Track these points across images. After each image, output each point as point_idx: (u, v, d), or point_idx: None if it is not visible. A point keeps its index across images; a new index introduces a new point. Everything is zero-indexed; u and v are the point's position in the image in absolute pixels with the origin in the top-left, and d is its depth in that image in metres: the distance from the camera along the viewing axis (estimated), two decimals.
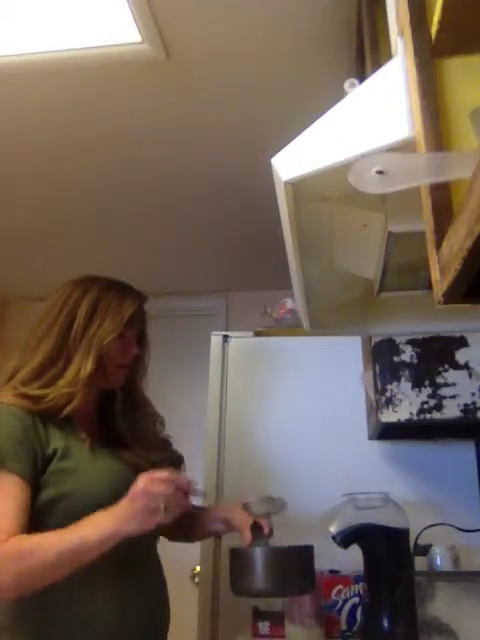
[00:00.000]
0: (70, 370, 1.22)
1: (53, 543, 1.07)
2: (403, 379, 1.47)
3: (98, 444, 1.25)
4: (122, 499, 1.10)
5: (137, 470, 1.24)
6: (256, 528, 1.19)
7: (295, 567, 1.18)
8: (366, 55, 1.21)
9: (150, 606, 1.22)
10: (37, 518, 1.12)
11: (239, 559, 1.16)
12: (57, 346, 1.24)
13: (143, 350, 1.37)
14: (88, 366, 1.22)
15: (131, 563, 1.20)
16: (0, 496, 1.09)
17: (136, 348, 1.33)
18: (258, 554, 1.14)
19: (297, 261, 0.90)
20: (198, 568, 1.91)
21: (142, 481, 1.10)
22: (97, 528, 1.08)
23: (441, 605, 1.30)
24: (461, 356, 1.46)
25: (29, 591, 1.08)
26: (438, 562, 1.57)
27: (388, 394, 1.46)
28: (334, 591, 1.59)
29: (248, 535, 1.17)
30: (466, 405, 1.43)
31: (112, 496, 1.14)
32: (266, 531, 1.20)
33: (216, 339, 2.05)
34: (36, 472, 1.14)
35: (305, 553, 1.19)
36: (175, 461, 1.37)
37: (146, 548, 1.27)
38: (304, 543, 1.25)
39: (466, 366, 1.46)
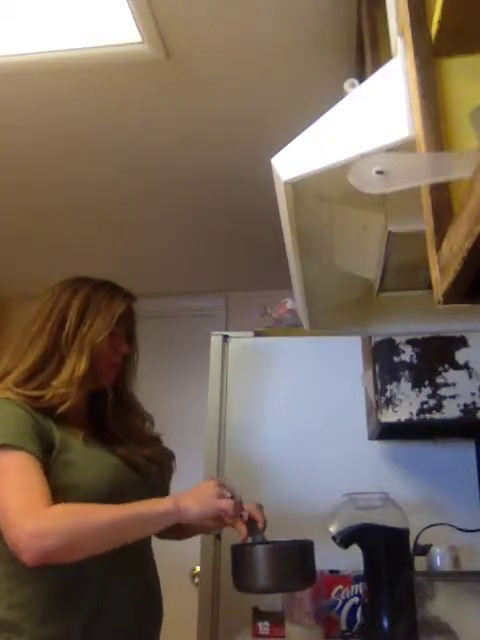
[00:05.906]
0: (64, 370, 1.23)
1: (107, 510, 1.10)
2: (403, 379, 1.47)
3: (92, 440, 1.26)
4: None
5: (132, 464, 1.25)
6: (250, 522, 1.20)
7: (296, 563, 1.18)
8: (366, 55, 1.21)
9: (137, 600, 1.22)
10: None
11: (240, 556, 1.17)
12: (49, 347, 1.25)
13: (132, 349, 1.38)
14: (82, 366, 1.23)
15: (121, 559, 1.19)
16: (27, 473, 1.09)
17: (126, 346, 1.34)
18: (259, 551, 1.14)
19: (297, 261, 0.91)
20: (198, 568, 1.91)
21: (213, 479, 1.20)
22: (154, 504, 1.13)
23: (441, 605, 1.30)
24: (461, 356, 1.47)
25: (77, 556, 1.07)
26: (438, 562, 1.57)
27: (388, 394, 1.46)
28: (334, 591, 1.59)
29: (243, 530, 1.18)
30: (466, 405, 1.43)
31: (111, 489, 1.16)
32: (260, 525, 1.21)
33: (216, 339, 2.05)
34: (45, 458, 1.15)
35: (305, 549, 1.19)
36: (167, 457, 1.38)
37: (139, 543, 1.27)
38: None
39: (466, 366, 1.46)
